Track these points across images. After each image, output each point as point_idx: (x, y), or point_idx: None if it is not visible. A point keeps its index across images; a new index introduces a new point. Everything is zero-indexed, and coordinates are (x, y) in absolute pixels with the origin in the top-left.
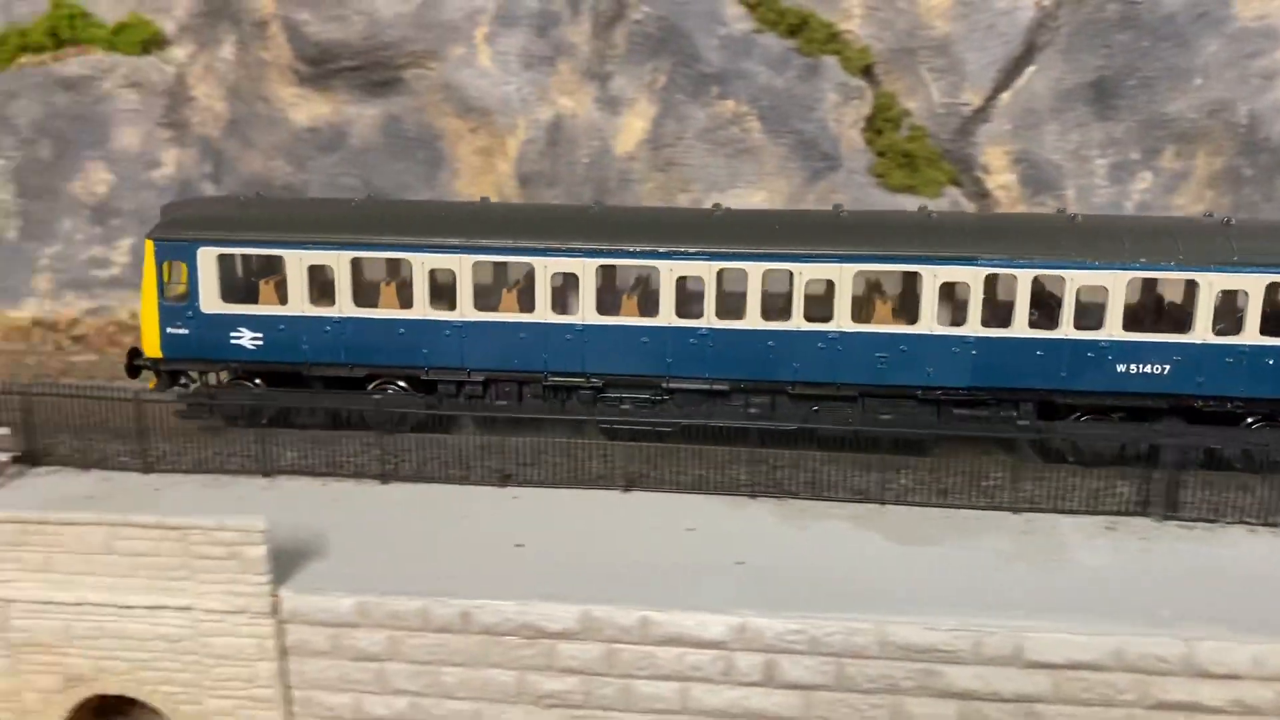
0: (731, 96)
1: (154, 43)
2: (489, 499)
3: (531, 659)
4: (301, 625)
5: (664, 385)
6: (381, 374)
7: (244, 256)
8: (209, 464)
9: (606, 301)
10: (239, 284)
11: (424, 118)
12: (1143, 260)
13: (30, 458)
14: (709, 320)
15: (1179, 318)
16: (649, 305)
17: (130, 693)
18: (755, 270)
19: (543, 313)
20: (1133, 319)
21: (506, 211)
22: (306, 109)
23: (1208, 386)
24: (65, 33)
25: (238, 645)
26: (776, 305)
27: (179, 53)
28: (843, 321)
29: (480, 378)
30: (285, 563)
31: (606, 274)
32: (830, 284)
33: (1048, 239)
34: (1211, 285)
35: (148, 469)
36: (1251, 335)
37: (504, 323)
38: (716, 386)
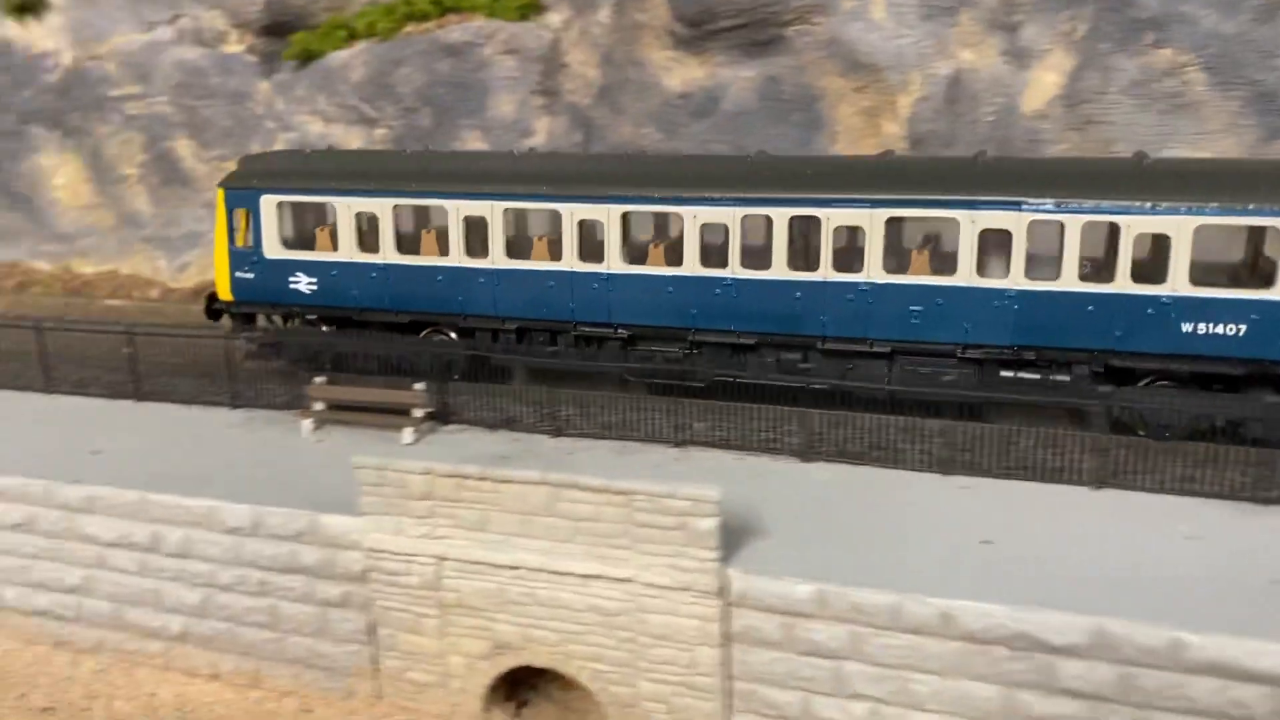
0: (1169, 44)
1: (532, 8)
2: (929, 486)
3: (1023, 675)
4: (750, 610)
5: (690, 339)
6: (424, 320)
7: (301, 204)
8: (617, 429)
9: (633, 251)
10: (297, 231)
11: (804, 78)
12: (1214, 205)
13: (440, 416)
14: (734, 270)
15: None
16: (674, 255)
17: (558, 666)
18: (780, 217)
19: (570, 261)
20: (1203, 271)
21: (542, 160)
22: (680, 73)
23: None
24: (449, 0)
25: (678, 625)
26: (803, 254)
27: (555, 18)
28: (874, 273)
29: (513, 326)
30: (729, 540)
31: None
32: (859, 231)
33: (1105, 182)
34: None
35: (557, 432)
36: None
37: (533, 270)
38: (743, 340)
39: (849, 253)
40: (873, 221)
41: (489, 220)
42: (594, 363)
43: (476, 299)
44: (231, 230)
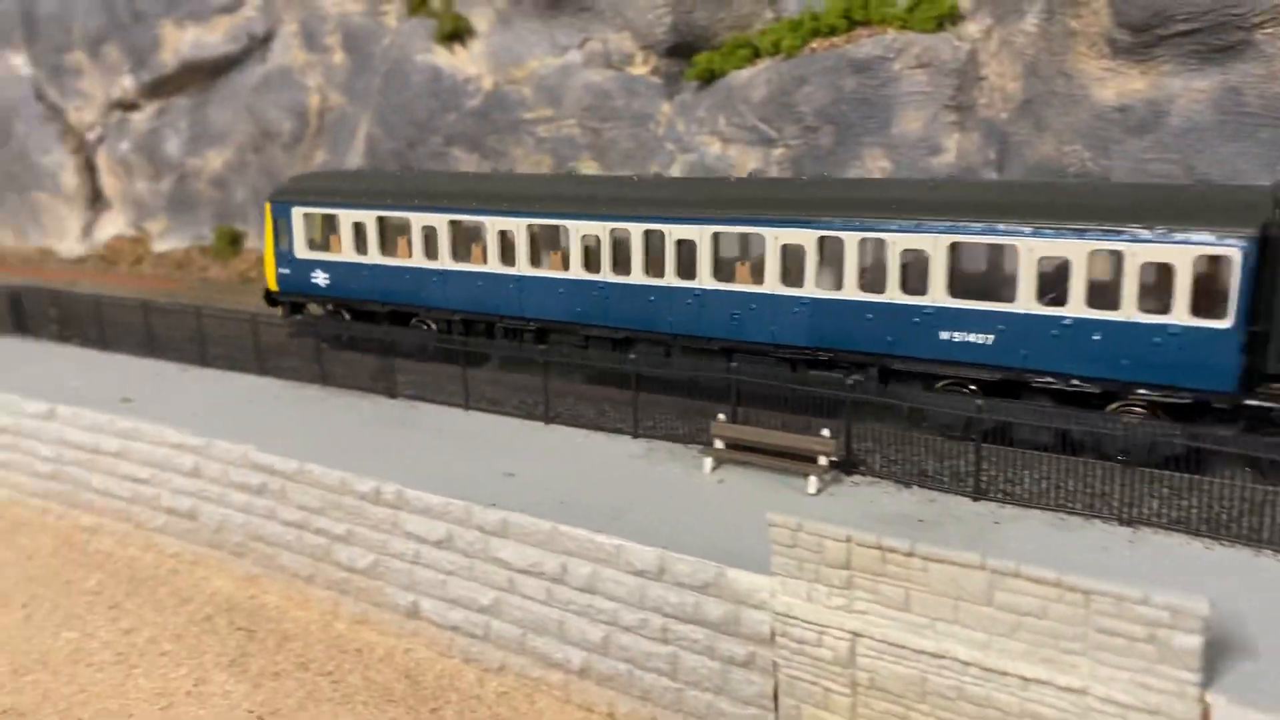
0: None
1: (948, 18)
2: None
3: None
4: None
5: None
6: (404, 311)
7: (320, 215)
8: (1045, 499)
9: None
10: (319, 236)
11: (1274, 88)
12: (965, 224)
13: (844, 465)
14: (605, 275)
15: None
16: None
17: None
18: (637, 230)
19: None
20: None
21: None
22: (1115, 85)
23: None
24: (859, 13)
25: None
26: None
27: (973, 28)
28: (705, 280)
29: (458, 317)
30: (1208, 653)
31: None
32: (694, 244)
33: (882, 203)
34: (1032, 251)
35: (979, 494)
36: (1077, 307)
37: (471, 272)
38: (617, 336)
39: (689, 263)
40: (702, 236)
41: (437, 226)
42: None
43: (436, 295)
44: (276, 235)
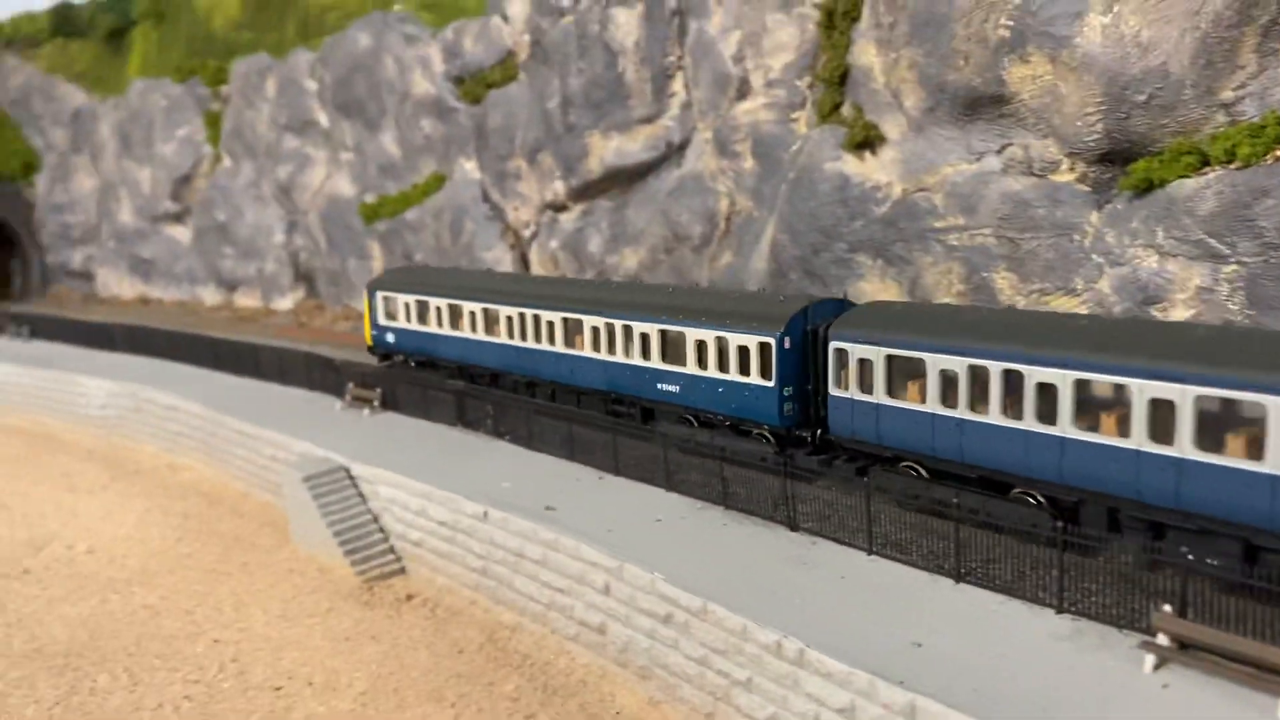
0: None
1: None
2: None
3: None
4: None
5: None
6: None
7: (391, 297)
8: None
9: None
10: (390, 311)
11: None
12: (649, 314)
13: None
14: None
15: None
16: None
17: None
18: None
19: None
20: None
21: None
22: None
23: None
24: None
25: None
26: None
27: None
28: (558, 346)
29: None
30: None
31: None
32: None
33: (612, 296)
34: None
35: None
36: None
37: (460, 337)
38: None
39: (570, 334)
40: (554, 319)
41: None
42: None
43: (449, 351)
44: (372, 310)
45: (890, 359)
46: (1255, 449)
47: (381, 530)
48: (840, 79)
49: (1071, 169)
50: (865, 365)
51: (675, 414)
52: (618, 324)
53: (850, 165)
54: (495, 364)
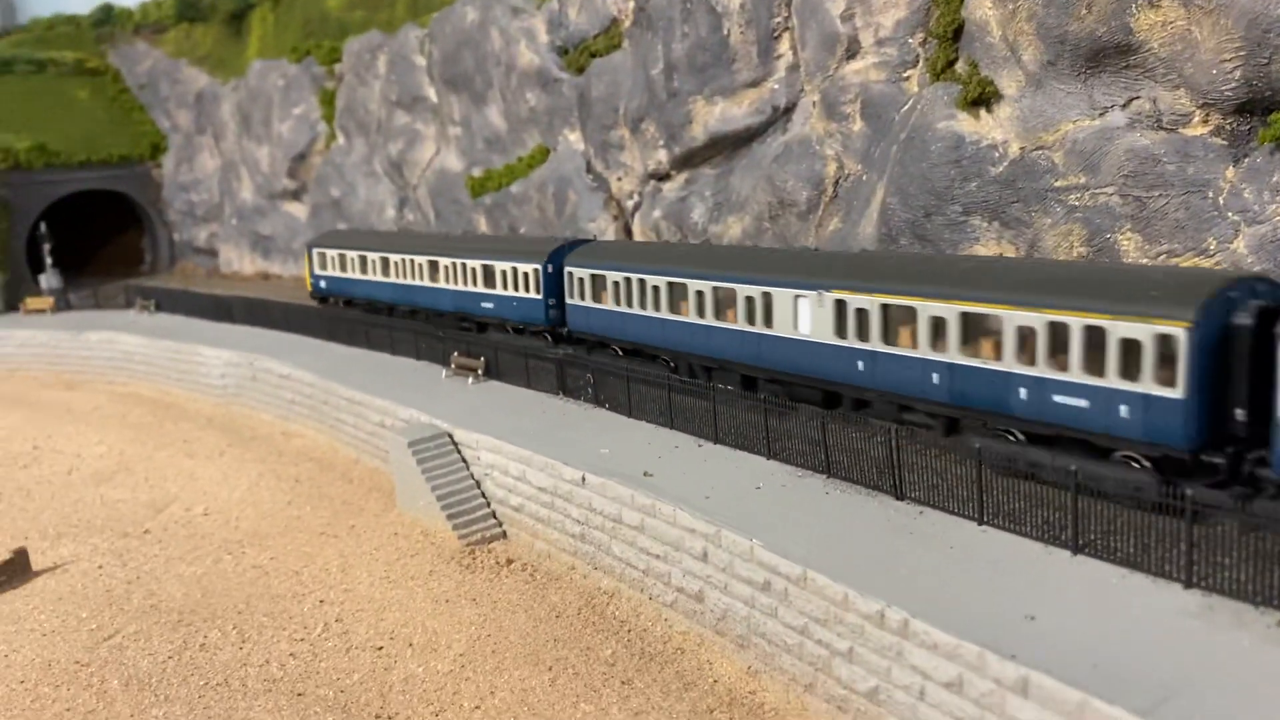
0: None
1: None
2: None
3: None
4: None
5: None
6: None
7: (322, 252)
8: None
9: None
10: (322, 263)
11: None
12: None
13: None
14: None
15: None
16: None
17: None
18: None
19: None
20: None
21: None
22: None
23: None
24: None
25: None
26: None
27: None
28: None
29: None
30: None
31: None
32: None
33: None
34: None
35: None
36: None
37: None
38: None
39: (432, 272)
40: (422, 263)
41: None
42: None
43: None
44: (310, 263)
45: (593, 277)
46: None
47: (483, 495)
48: (954, 34)
49: (1205, 121)
50: (582, 282)
51: (492, 324)
52: (458, 263)
53: (964, 124)
54: (388, 298)
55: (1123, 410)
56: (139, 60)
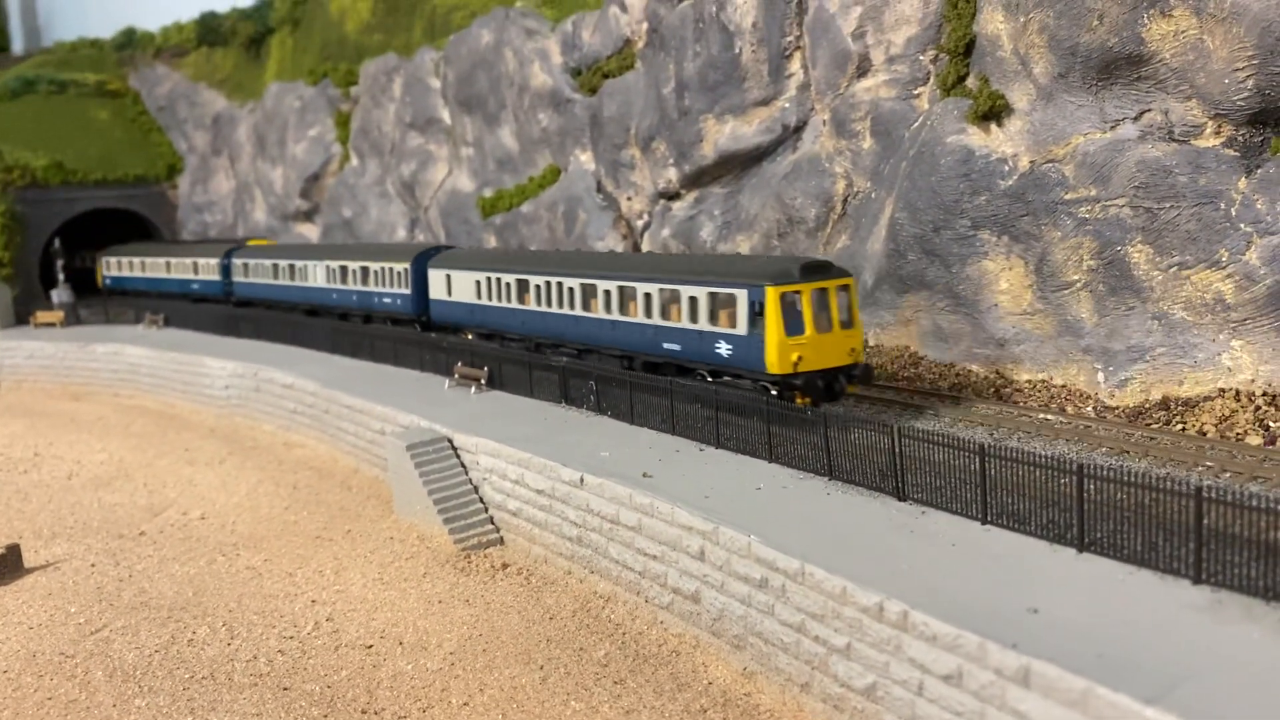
0: None
1: None
2: None
3: None
4: None
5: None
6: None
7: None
8: None
9: None
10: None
11: None
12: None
13: None
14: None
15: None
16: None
17: None
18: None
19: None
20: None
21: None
22: None
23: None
24: None
25: None
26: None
27: None
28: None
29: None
30: None
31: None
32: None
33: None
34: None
35: None
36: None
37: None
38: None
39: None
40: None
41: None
42: None
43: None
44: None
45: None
46: None
47: (481, 500)
48: (965, 49)
49: (1217, 132)
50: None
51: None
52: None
53: (975, 138)
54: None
55: (397, 301)
56: (159, 83)
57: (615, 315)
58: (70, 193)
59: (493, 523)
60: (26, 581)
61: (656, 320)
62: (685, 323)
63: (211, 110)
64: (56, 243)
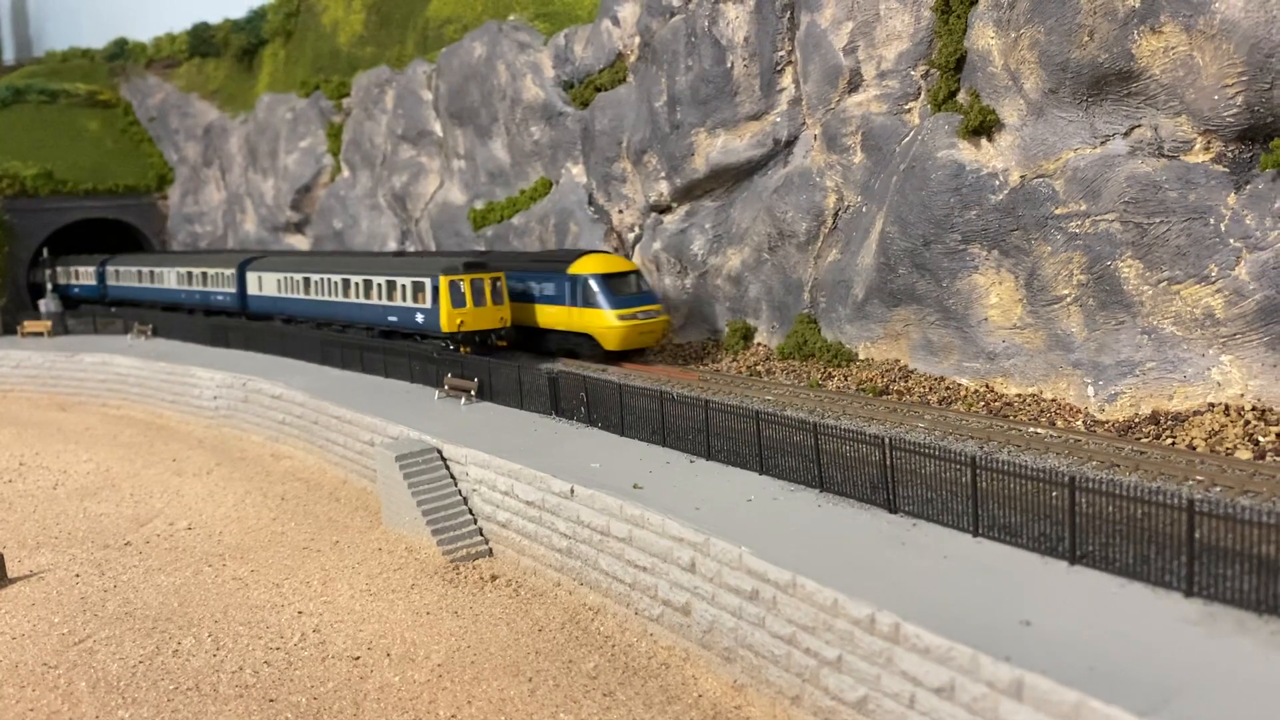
0: None
1: None
2: None
3: None
4: None
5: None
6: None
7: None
8: None
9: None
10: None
11: None
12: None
13: None
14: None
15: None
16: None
17: None
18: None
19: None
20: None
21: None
22: None
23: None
24: None
25: None
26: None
27: None
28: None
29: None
30: None
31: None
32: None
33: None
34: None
35: None
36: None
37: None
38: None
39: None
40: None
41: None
42: None
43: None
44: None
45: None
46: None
47: (470, 511)
48: (956, 64)
49: (1206, 148)
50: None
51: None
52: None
53: (965, 152)
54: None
55: (226, 298)
56: (150, 93)
57: (361, 300)
58: (59, 203)
59: (482, 534)
60: (10, 591)
61: (384, 301)
62: (399, 301)
63: (203, 121)
64: (45, 252)
